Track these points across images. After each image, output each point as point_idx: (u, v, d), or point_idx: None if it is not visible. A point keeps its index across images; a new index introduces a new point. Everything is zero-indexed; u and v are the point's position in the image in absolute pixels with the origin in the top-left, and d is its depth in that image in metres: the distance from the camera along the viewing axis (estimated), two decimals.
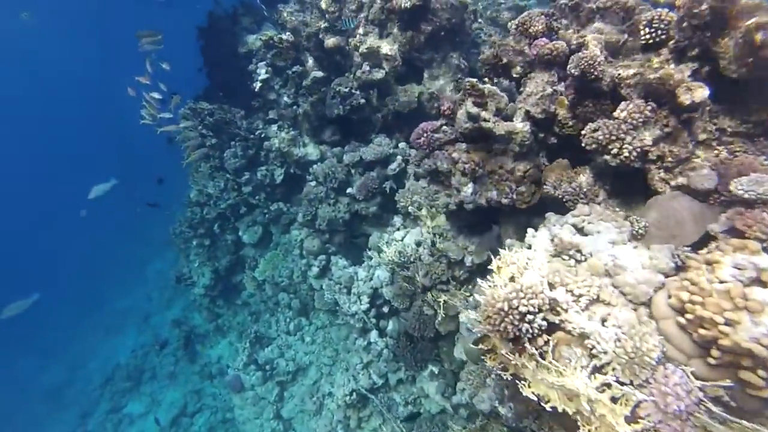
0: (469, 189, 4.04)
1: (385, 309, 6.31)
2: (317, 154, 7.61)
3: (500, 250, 2.78)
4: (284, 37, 7.86)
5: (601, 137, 2.84)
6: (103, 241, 25.36)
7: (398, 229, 5.91)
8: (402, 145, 6.69)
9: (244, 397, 8.25)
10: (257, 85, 7.56)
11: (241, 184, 8.27)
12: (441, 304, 4.80)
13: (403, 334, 5.77)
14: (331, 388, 7.13)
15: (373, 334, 6.40)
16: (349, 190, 6.94)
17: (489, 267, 2.76)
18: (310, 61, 7.87)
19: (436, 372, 5.53)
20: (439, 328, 4.97)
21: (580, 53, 3.08)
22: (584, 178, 3.26)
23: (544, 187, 3.56)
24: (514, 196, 3.81)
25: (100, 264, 23.85)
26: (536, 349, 2.27)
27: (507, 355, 2.41)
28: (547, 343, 2.29)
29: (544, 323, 2.31)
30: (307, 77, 7.21)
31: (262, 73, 7.51)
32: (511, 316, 2.29)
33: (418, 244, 5.30)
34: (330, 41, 6.90)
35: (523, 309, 2.26)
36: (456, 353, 4.94)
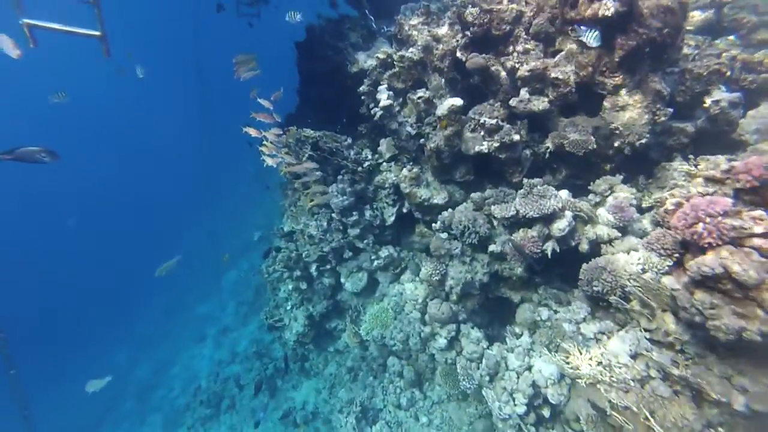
0: None
1: (546, 412, 4.64)
2: (444, 197, 6.09)
3: None
4: (406, 54, 6.43)
5: None
6: (186, 245, 25.67)
7: (584, 319, 4.22)
8: (564, 194, 4.99)
9: None
10: (377, 112, 6.17)
11: (347, 225, 6.94)
12: None
13: None
14: None
15: None
16: (492, 248, 5.35)
17: None
18: (435, 83, 6.38)
19: None
20: None
21: None
22: None
23: None
24: None
25: (183, 267, 24.12)
26: None
27: None
28: None
29: None
30: (440, 104, 5.70)
31: (384, 98, 6.11)
32: None
33: (635, 356, 3.59)
34: (474, 61, 5.35)
35: None
36: None
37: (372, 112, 6.40)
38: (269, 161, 5.52)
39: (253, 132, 5.61)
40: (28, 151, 4.83)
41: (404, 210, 7.04)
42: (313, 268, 7.52)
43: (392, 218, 6.97)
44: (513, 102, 5.10)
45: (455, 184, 6.19)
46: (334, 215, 6.95)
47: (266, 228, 19.27)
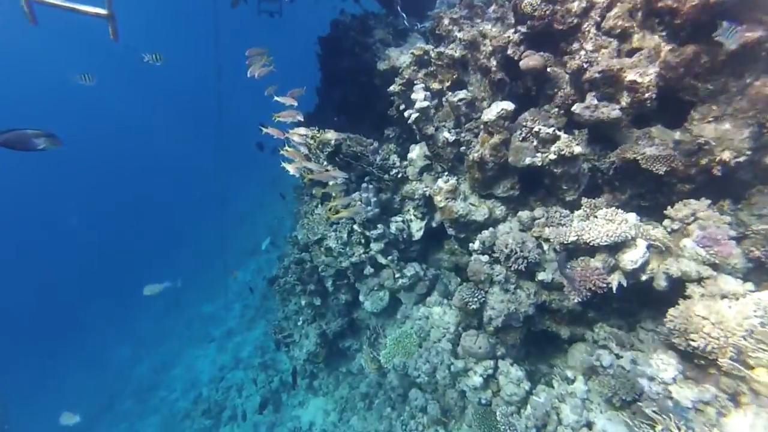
0: None
1: None
2: (484, 213, 5.29)
3: None
4: (446, 51, 5.66)
5: None
6: (194, 243, 25.12)
7: (674, 380, 3.38)
8: (632, 218, 4.15)
9: None
10: (412, 115, 5.39)
11: (369, 239, 6.16)
12: None
13: None
14: None
15: None
16: (542, 277, 4.55)
17: None
18: (477, 85, 5.60)
19: None
20: None
21: None
22: None
23: None
24: None
25: (190, 264, 23.80)
26: None
27: None
28: None
29: None
30: (487, 108, 4.91)
31: (420, 98, 5.33)
32: None
33: None
34: (530, 60, 4.55)
35: None
36: None
37: (406, 114, 5.63)
38: (291, 169, 4.74)
39: (275, 132, 4.83)
40: (21, 135, 4.08)
41: (433, 224, 6.26)
42: (329, 283, 6.75)
43: (420, 233, 6.19)
44: (577, 108, 4.29)
45: (496, 199, 5.39)
46: (355, 227, 6.18)
47: (276, 233, 18.60)
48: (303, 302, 7.13)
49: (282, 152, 4.79)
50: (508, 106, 4.69)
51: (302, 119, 5.02)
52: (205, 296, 20.09)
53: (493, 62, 5.05)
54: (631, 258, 3.86)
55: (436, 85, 5.89)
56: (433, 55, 5.83)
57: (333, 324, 7.04)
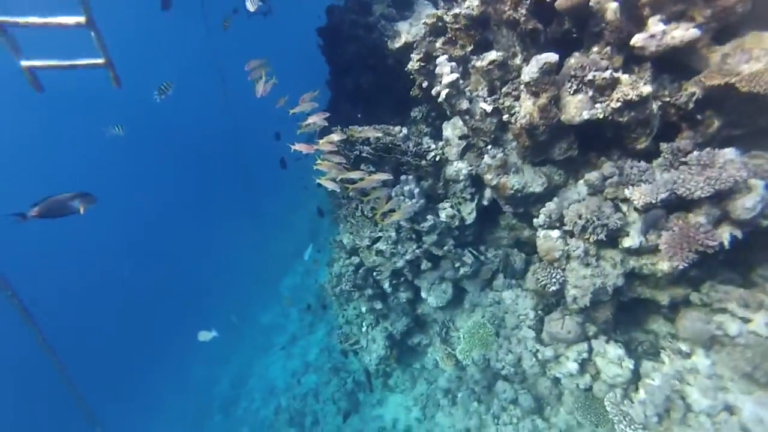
0: None
1: None
2: (542, 183, 4.67)
3: None
4: (462, 11, 4.98)
5: None
6: (240, 255, 25.48)
7: None
8: (731, 154, 3.44)
9: None
10: (442, 92, 4.78)
11: (421, 233, 5.69)
12: None
13: None
14: None
15: None
16: (629, 243, 3.94)
17: None
18: (504, 41, 4.91)
19: None
20: None
21: None
22: None
23: None
24: None
25: (241, 277, 24.25)
26: None
27: None
28: None
29: None
30: (526, 66, 4.24)
31: (447, 71, 4.70)
32: None
33: None
34: None
35: None
36: None
37: (434, 92, 5.03)
38: (329, 185, 4.29)
39: (304, 148, 4.37)
40: (57, 202, 3.90)
41: (485, 203, 5.70)
42: (386, 284, 6.36)
43: (473, 216, 5.65)
44: (638, 40, 3.57)
45: (553, 164, 4.76)
46: (403, 223, 5.71)
47: (315, 235, 18.41)
48: (363, 308, 6.81)
49: (316, 166, 4.34)
50: (551, 57, 4.01)
51: (327, 123, 4.54)
52: (259, 306, 20.40)
53: (522, 11, 4.33)
54: (746, 205, 3.19)
55: (457, 52, 5.24)
56: (448, 20, 5.16)
57: (398, 324, 6.68)
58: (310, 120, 4.55)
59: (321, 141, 4.66)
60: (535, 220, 4.64)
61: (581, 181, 4.37)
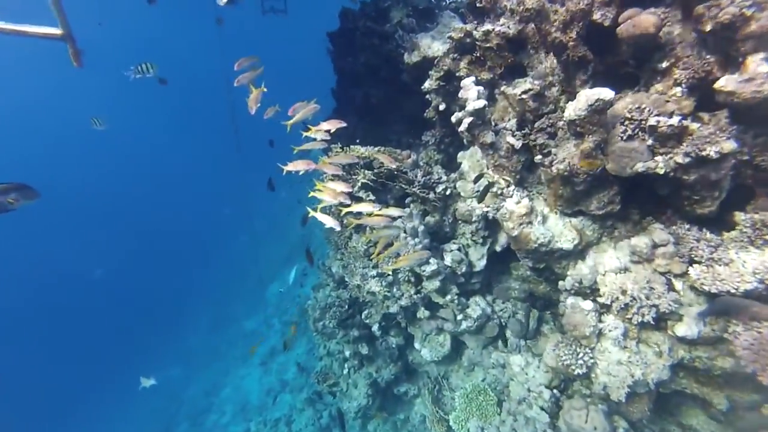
0: None
1: None
2: (573, 239, 3.84)
3: None
4: (496, 28, 4.18)
5: None
6: (230, 257, 24.56)
7: None
8: None
9: None
10: (464, 119, 3.96)
11: (421, 277, 4.83)
12: None
13: None
14: None
15: None
16: (682, 330, 3.10)
17: None
18: (542, 68, 4.11)
19: None
20: None
21: None
22: None
23: None
24: None
25: (228, 280, 23.42)
26: None
27: None
28: None
29: None
30: (574, 100, 3.44)
31: (472, 96, 3.88)
32: None
33: None
34: (643, 22, 3.04)
35: None
36: None
37: (454, 119, 4.21)
38: (326, 221, 3.41)
39: (301, 167, 3.49)
40: None
41: (497, 248, 4.87)
42: (374, 327, 5.49)
43: (483, 262, 4.81)
44: (728, 84, 2.76)
45: (587, 216, 3.93)
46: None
47: (308, 242, 17.58)
48: (347, 352, 5.91)
49: (314, 193, 3.46)
50: (605, 93, 3.20)
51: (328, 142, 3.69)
52: (245, 309, 19.57)
53: (571, 35, 3.54)
54: None
55: (484, 75, 4.44)
56: (477, 36, 4.36)
57: (385, 371, 5.80)
58: (319, 128, 3.68)
59: (325, 160, 3.79)
60: (561, 283, 3.80)
61: (623, 244, 3.54)
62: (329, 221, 3.28)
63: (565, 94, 4.01)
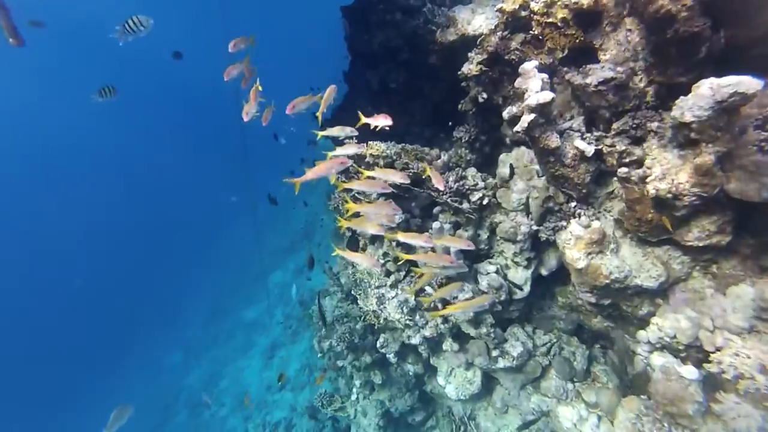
0: None
1: None
2: (657, 275, 2.89)
3: None
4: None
5: None
6: (230, 248, 23.77)
7: None
8: None
9: None
10: (525, 117, 2.95)
11: (451, 304, 3.90)
12: None
13: None
14: None
15: None
16: None
17: None
18: (618, 51, 3.09)
19: None
20: None
21: None
22: None
23: None
24: None
25: (229, 269, 22.70)
26: None
27: None
28: None
29: None
30: (682, 98, 2.45)
31: (535, 87, 2.87)
32: None
33: None
34: None
35: None
36: None
37: (505, 115, 3.22)
38: (358, 260, 2.48)
39: (307, 178, 2.57)
40: None
41: (543, 272, 3.93)
42: (390, 355, 4.59)
43: (527, 289, 3.87)
44: None
45: (676, 247, 2.97)
46: (427, 288, 3.92)
47: (311, 232, 16.81)
48: (357, 382, 5.04)
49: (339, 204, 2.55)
50: (748, 84, 2.19)
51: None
52: (246, 298, 18.89)
53: (686, 1, 2.51)
54: None
55: (543, 58, 3.42)
56: (536, 9, 3.32)
57: (399, 402, 4.94)
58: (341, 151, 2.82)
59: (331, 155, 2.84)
60: (642, 333, 2.87)
61: (740, 291, 2.58)
62: (365, 261, 2.37)
63: (653, 85, 3.00)
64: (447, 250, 3.66)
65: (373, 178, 2.91)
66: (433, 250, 3.75)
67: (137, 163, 37.18)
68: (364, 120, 2.94)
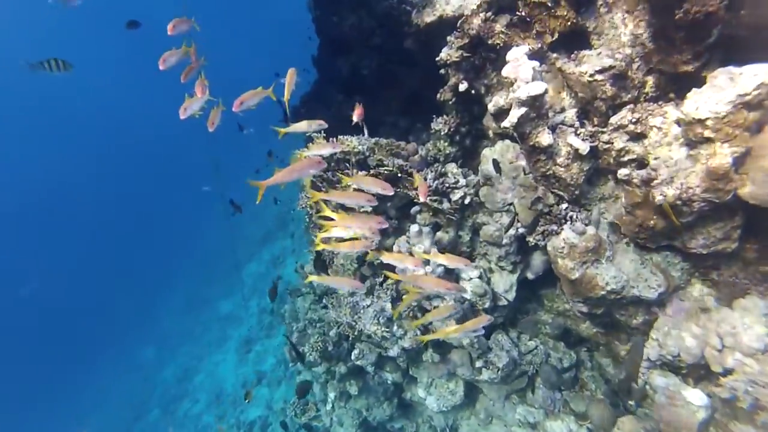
0: None
1: None
2: (657, 284, 2.60)
3: None
4: None
5: None
6: (204, 238, 22.87)
7: None
8: None
9: None
10: (514, 111, 2.55)
11: (426, 311, 3.54)
12: None
13: None
14: None
15: None
16: None
17: None
18: (615, 35, 2.73)
19: None
20: None
21: None
22: None
23: None
24: None
25: (203, 260, 21.90)
26: None
27: None
28: None
29: None
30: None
31: (526, 76, 2.47)
32: None
33: None
34: None
35: None
36: None
37: (490, 108, 2.82)
38: (336, 284, 2.14)
39: (274, 181, 2.14)
40: None
41: (529, 276, 3.62)
42: (367, 366, 4.23)
43: (512, 294, 3.56)
44: None
45: (675, 252, 2.68)
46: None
47: (284, 226, 16.27)
48: (332, 395, 4.67)
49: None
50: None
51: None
52: (221, 289, 18.25)
53: None
54: None
55: (531, 43, 3.02)
56: None
57: (377, 411, 4.61)
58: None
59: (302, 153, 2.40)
60: (648, 350, 2.58)
61: (751, 305, 2.31)
62: (344, 284, 1.97)
63: (653, 74, 2.66)
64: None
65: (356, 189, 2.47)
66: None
67: (110, 153, 35.31)
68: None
